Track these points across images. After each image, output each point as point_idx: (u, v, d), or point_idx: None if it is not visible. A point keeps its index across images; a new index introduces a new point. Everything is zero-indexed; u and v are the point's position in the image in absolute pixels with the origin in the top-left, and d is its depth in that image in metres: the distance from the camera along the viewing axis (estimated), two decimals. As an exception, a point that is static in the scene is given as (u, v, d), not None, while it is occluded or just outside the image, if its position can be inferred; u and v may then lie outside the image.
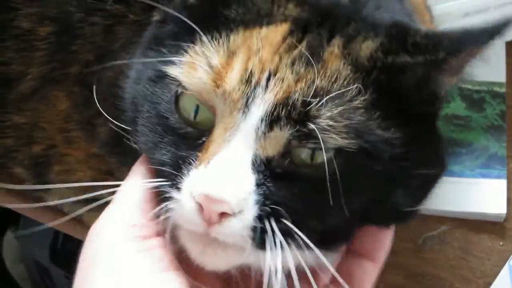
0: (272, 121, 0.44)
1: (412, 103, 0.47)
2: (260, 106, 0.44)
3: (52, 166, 0.71)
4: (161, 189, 0.46)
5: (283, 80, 0.44)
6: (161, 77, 0.48)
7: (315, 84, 0.44)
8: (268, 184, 0.44)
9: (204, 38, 0.46)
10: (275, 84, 0.44)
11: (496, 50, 0.87)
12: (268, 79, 0.44)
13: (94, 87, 0.57)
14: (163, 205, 0.46)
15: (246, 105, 0.44)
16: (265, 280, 0.44)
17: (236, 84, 0.45)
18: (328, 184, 0.43)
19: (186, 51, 0.47)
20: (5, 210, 0.78)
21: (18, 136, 0.70)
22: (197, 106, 0.46)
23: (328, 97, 0.43)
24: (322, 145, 0.43)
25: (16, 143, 0.70)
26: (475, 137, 0.83)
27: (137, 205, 0.47)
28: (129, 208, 0.47)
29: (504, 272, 0.75)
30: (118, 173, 0.66)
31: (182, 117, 0.47)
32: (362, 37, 0.46)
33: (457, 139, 0.83)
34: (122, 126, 0.53)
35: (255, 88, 0.44)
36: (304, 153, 0.44)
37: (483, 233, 0.78)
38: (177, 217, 0.46)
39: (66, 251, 1.06)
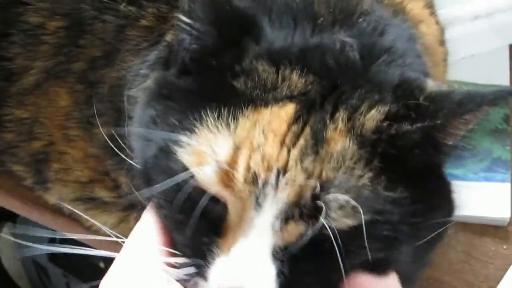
0: (286, 217, 0.44)
1: (414, 162, 0.47)
2: (273, 205, 0.44)
3: (51, 164, 0.70)
4: (185, 269, 0.47)
5: (294, 181, 0.44)
6: (172, 153, 0.47)
7: (323, 177, 0.44)
8: (286, 269, 0.45)
9: (209, 121, 0.46)
10: (286, 184, 0.44)
11: (499, 53, 0.88)
12: (278, 177, 0.44)
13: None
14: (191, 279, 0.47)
15: (257, 203, 0.45)
16: None
17: (242, 185, 0.45)
18: (341, 262, 0.44)
19: (193, 131, 0.47)
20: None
21: (19, 131, 0.69)
22: None
23: (334, 187, 0.44)
24: (331, 234, 0.43)
25: (17, 138, 0.70)
26: (479, 141, 0.82)
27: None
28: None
29: (508, 276, 0.75)
30: (114, 175, 0.66)
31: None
32: (367, 105, 0.46)
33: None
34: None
35: (263, 186, 0.44)
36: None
37: (486, 237, 0.78)
38: None
39: (64, 250, 1.05)
